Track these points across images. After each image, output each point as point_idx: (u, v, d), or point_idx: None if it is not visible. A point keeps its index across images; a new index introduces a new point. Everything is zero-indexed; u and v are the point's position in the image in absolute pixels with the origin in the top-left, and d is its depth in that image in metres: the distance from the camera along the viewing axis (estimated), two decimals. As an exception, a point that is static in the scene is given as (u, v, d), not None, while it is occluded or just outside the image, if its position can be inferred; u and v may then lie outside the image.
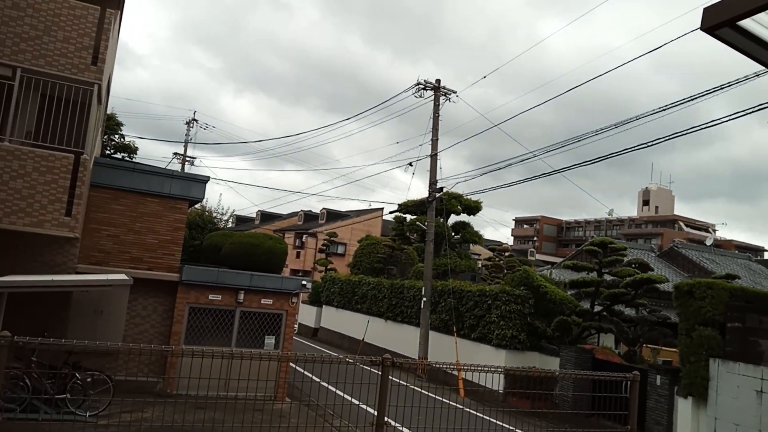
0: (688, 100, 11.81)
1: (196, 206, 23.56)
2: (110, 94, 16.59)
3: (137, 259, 13.36)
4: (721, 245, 54.35)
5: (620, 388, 8.23)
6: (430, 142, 21.34)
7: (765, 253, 65.89)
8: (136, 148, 23.53)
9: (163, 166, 23.30)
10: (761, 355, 11.14)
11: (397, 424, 7.67)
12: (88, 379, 10.65)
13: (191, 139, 38.73)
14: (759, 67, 4.22)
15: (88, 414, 10.10)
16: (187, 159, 38.79)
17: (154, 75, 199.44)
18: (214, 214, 28.21)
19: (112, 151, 22.99)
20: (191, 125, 38.53)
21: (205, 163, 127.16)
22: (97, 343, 4.51)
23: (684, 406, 11.93)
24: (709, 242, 35.62)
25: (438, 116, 21.19)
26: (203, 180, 14.33)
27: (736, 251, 52.80)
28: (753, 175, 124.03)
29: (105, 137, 21.65)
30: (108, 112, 21.28)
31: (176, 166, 37.29)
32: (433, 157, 21.14)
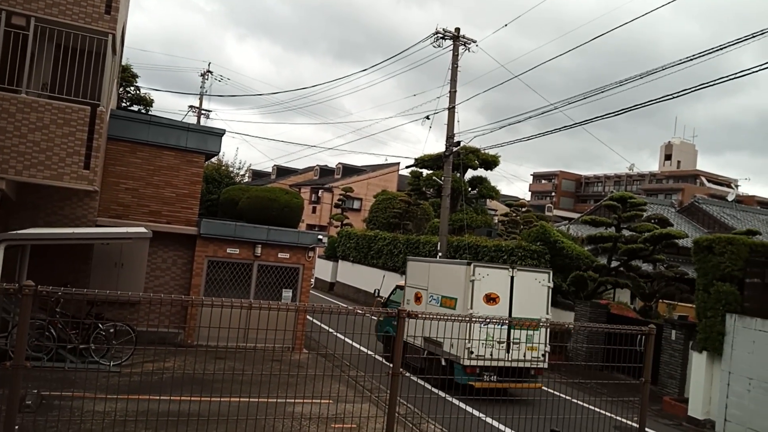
0: (718, 49, 11.35)
1: (213, 160, 23.58)
2: (124, 44, 16.41)
3: (156, 213, 13.49)
4: (743, 201, 53.39)
5: (635, 341, 8.25)
6: (448, 95, 20.90)
7: (788, 209, 64.67)
8: (152, 101, 23.41)
9: (178, 119, 23.22)
10: (780, 311, 11.03)
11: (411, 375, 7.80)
12: (111, 330, 10.95)
13: (206, 92, 38.38)
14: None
15: (111, 363, 10.42)
16: (203, 112, 38.59)
17: (151, 19, 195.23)
18: (231, 169, 28.21)
19: (127, 103, 22.92)
20: (206, 77, 38.15)
21: (219, 115, 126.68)
22: (119, 293, 4.61)
23: (698, 361, 11.96)
24: (730, 198, 34.98)
25: (457, 67, 20.68)
26: (219, 133, 14.27)
27: (758, 207, 51.84)
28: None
29: (120, 89, 21.55)
30: (123, 62, 21.11)
31: (192, 119, 37.21)
32: (451, 110, 20.75)
